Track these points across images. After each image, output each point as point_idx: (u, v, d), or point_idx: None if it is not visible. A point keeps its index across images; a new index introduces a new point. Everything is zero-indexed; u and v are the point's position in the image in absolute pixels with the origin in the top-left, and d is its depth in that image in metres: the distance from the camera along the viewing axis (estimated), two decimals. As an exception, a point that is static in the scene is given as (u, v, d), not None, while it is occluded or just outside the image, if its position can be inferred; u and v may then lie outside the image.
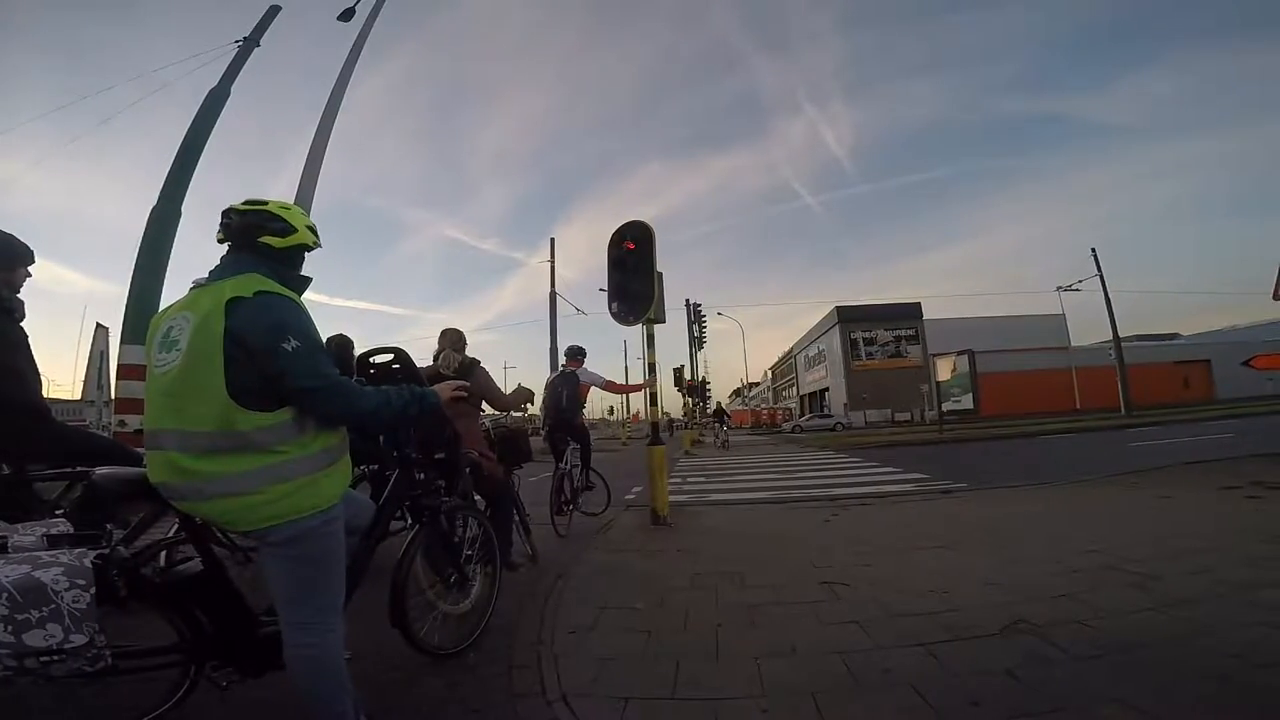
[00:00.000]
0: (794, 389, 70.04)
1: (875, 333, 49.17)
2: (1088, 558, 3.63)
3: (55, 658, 1.45)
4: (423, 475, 2.53)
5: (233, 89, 8.34)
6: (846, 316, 50.03)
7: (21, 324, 2.78)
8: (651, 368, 6.25)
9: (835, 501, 6.56)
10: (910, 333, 48.48)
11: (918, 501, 6.48)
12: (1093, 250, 24.21)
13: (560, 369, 6.34)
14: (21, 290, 2.83)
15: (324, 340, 2.11)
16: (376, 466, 3.20)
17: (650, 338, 6.19)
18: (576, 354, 6.36)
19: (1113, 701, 1.98)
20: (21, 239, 2.83)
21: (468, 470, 3.27)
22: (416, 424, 2.45)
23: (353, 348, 4.51)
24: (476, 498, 3.66)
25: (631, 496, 7.11)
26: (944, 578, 3.42)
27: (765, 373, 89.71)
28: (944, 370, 21.25)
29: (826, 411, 49.13)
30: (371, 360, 2.80)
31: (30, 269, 2.86)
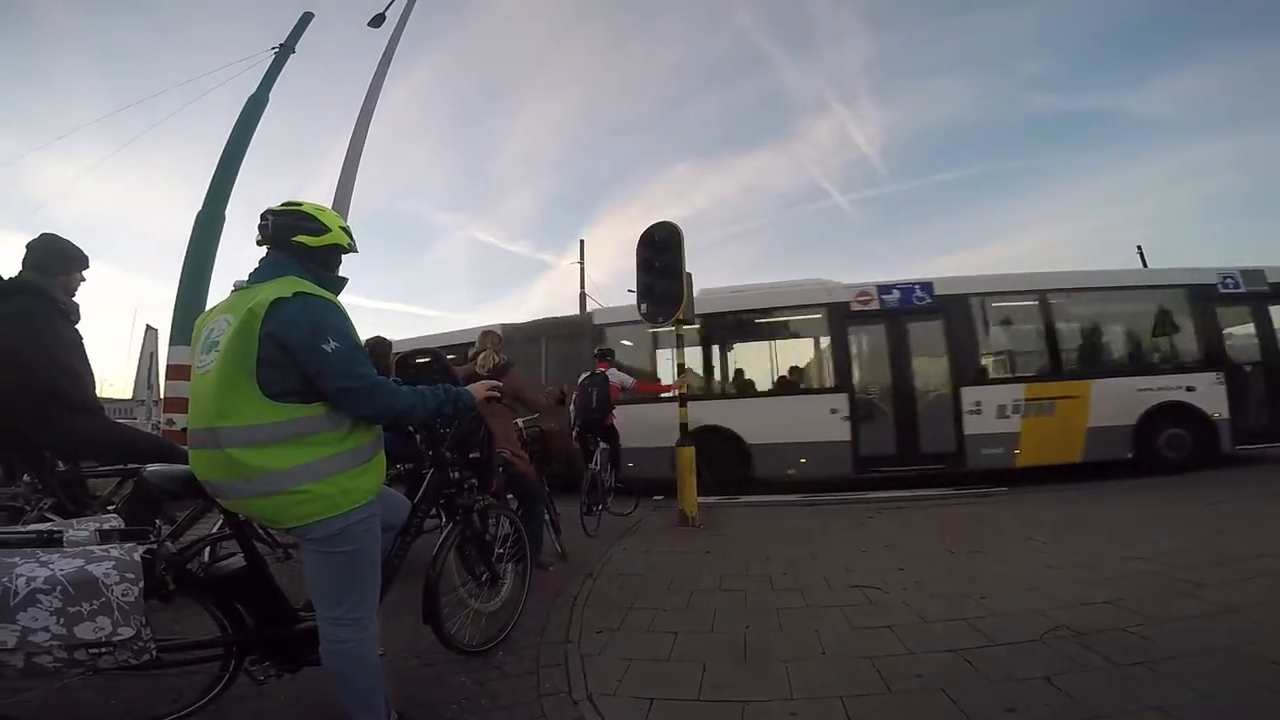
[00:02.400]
0: (827, 389, 68.79)
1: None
2: (1132, 564, 3.52)
3: (103, 650, 1.50)
4: (457, 474, 2.57)
5: (270, 95, 8.58)
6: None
7: (77, 325, 2.91)
8: (681, 368, 6.23)
9: (869, 504, 6.46)
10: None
11: (955, 505, 6.33)
12: (1139, 248, 23.26)
13: (590, 370, 6.39)
14: (77, 294, 2.96)
15: (362, 342, 2.17)
16: (412, 465, 3.27)
17: (679, 338, 6.17)
18: (606, 355, 6.40)
19: (1154, 709, 1.92)
20: (76, 244, 2.97)
21: (500, 469, 3.31)
22: (452, 423, 2.49)
23: (391, 349, 4.64)
24: (509, 496, 3.71)
25: (660, 497, 7.09)
26: (981, 583, 3.35)
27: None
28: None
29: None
30: (410, 361, 2.88)
31: (84, 273, 2.99)
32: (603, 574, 3.99)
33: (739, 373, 8.68)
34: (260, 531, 2.81)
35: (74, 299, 2.93)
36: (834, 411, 7.64)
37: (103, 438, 2.95)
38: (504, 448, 3.64)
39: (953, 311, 7.79)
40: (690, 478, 5.82)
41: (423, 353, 2.96)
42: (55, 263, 2.87)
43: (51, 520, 2.42)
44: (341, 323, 1.73)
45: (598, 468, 5.85)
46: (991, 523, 5.12)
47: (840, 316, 7.96)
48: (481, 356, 4.15)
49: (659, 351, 8.85)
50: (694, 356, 8.51)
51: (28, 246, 2.85)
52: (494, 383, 2.37)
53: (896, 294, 7.90)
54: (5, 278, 2.74)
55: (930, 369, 7.87)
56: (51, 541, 1.57)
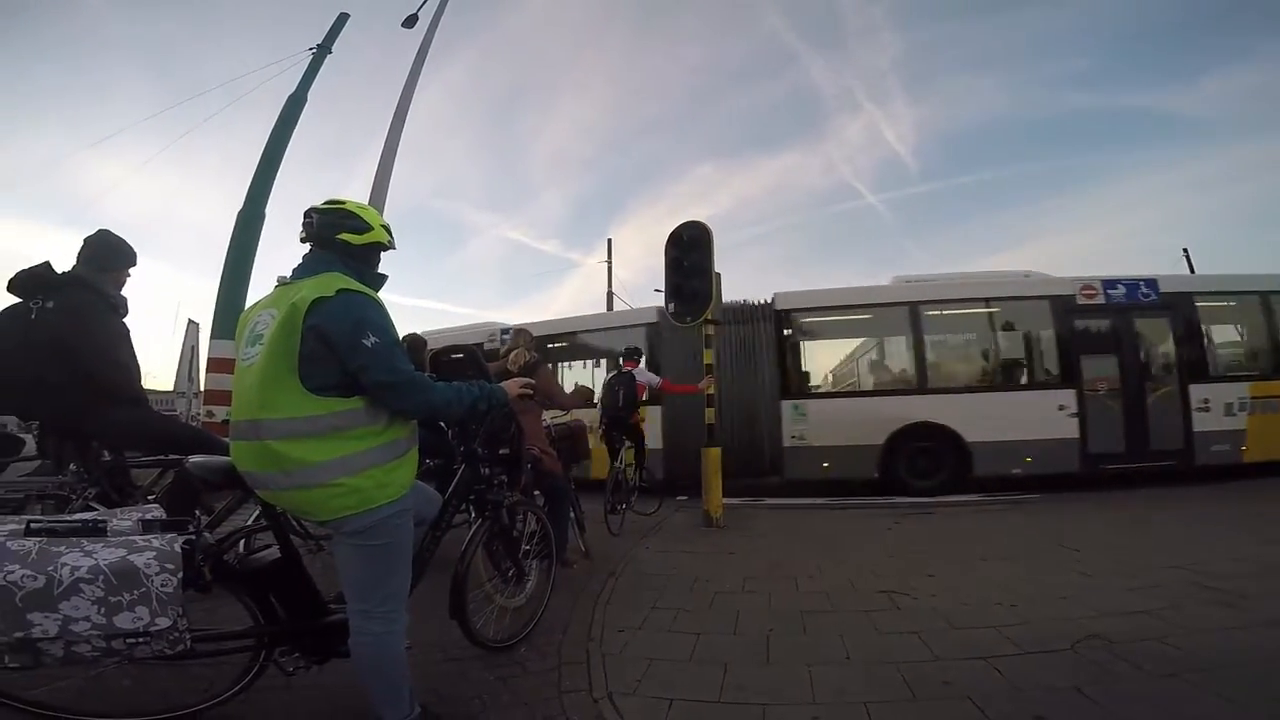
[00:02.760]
0: (857, 389, 67.94)
1: (944, 332, 47.22)
2: (1169, 573, 3.42)
3: (140, 639, 1.55)
4: (487, 470, 2.60)
5: (309, 95, 8.77)
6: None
7: (124, 319, 3.02)
8: (709, 368, 6.21)
9: (898, 509, 6.37)
10: (981, 332, 46.30)
11: (986, 511, 6.22)
12: (1184, 251, 22.30)
13: (617, 369, 6.41)
14: (124, 288, 3.08)
15: (460, 348, 2.22)
16: (442, 460, 3.31)
17: (707, 338, 6.14)
18: (633, 354, 6.42)
19: (1191, 722, 1.87)
20: (127, 241, 3.08)
21: (529, 466, 3.34)
22: (485, 419, 2.52)
23: (426, 345, 4.73)
24: (535, 493, 3.74)
25: (684, 497, 7.08)
26: (1012, 591, 3.29)
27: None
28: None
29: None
30: (444, 356, 2.91)
31: (131, 270, 3.10)
32: (626, 573, 4.01)
33: (954, 367, 8.33)
34: (295, 524, 2.88)
35: (122, 293, 3.04)
36: (1062, 408, 7.41)
37: (147, 429, 3.05)
38: (532, 445, 3.68)
39: (1178, 309, 7.64)
40: (716, 478, 5.80)
41: (457, 349, 3.00)
42: (108, 259, 2.99)
43: (96, 509, 2.51)
44: (381, 318, 1.77)
45: (622, 466, 5.86)
46: (1024, 529, 5.02)
47: (1064, 310, 7.72)
48: (514, 354, 4.21)
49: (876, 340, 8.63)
50: (897, 347, 8.34)
51: (84, 242, 2.96)
52: (527, 380, 2.39)
53: (1121, 289, 7.73)
54: (59, 272, 2.86)
55: (1156, 365, 7.73)
56: (96, 531, 1.62)
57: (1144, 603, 2.96)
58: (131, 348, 2.99)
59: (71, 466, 2.92)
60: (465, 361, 2.89)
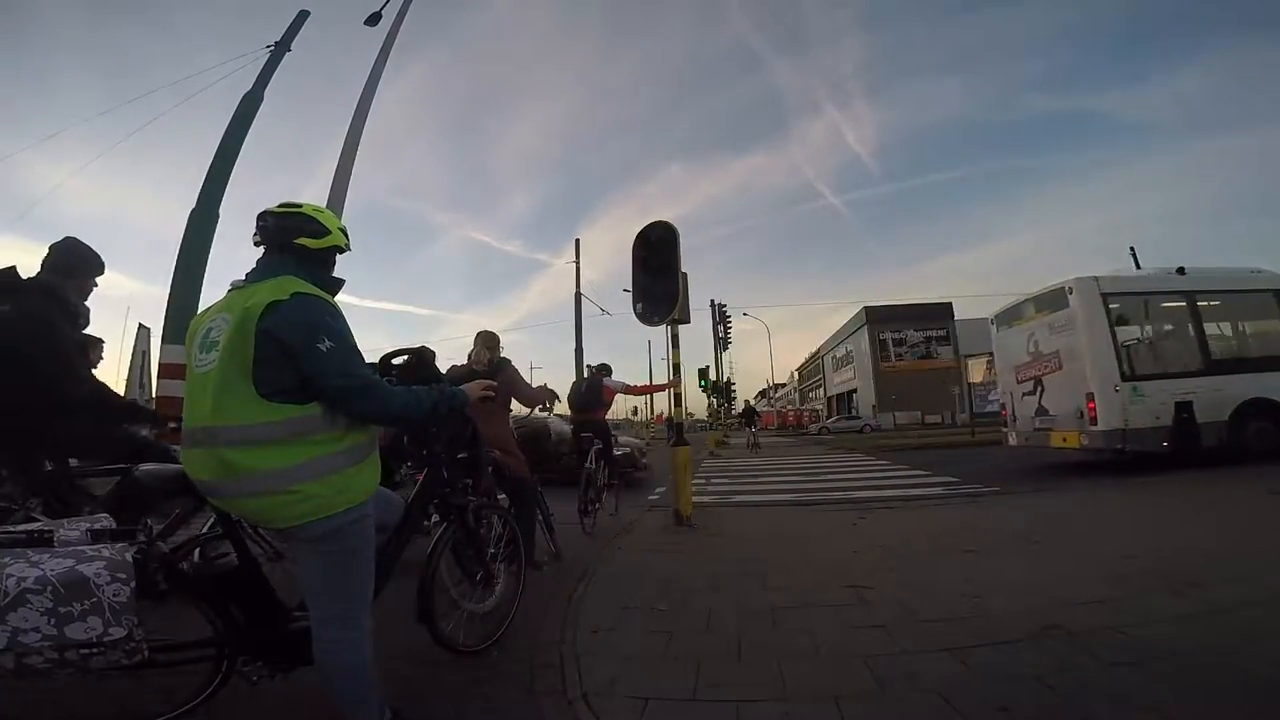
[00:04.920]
0: (821, 390, 69.36)
1: (905, 333, 48.59)
2: (1125, 563, 3.54)
3: (95, 650, 1.49)
4: (448, 474, 2.57)
5: (265, 93, 8.54)
6: (875, 317, 49.45)
7: (86, 330, 2.92)
8: (676, 368, 6.26)
9: (862, 505, 6.49)
10: (941, 333, 47.74)
11: (948, 506, 6.37)
12: (1131, 250, 23.13)
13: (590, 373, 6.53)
14: (88, 298, 2.97)
15: (408, 351, 2.20)
16: (409, 465, 3.25)
17: (675, 338, 6.19)
18: (600, 369, 6.56)
19: (1147, 709, 1.93)
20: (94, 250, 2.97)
21: (489, 469, 3.30)
22: (442, 423, 2.48)
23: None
24: (501, 496, 3.70)
25: (655, 497, 7.10)
26: (974, 583, 3.36)
27: (791, 374, 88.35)
28: (976, 372, 20.85)
29: (855, 413, 48.56)
30: (394, 360, 2.85)
31: (97, 279, 3.00)
32: (597, 573, 3.99)
33: None
34: (252, 530, 2.79)
35: (85, 304, 2.94)
36: None
37: (100, 437, 2.95)
38: (501, 447, 3.64)
39: None
40: (685, 477, 5.83)
41: (406, 351, 2.94)
42: (73, 266, 2.89)
43: (40, 520, 2.41)
44: (337, 322, 1.73)
45: (593, 467, 5.86)
46: (983, 523, 5.15)
47: None
48: (475, 354, 4.19)
49: None
50: None
51: (50, 248, 2.86)
52: (489, 382, 2.36)
53: None
54: (24, 278, 2.74)
55: None
56: (42, 541, 1.56)
57: (1100, 592, 3.05)
58: (88, 357, 2.90)
59: (7, 473, 2.79)
60: (415, 364, 2.84)
